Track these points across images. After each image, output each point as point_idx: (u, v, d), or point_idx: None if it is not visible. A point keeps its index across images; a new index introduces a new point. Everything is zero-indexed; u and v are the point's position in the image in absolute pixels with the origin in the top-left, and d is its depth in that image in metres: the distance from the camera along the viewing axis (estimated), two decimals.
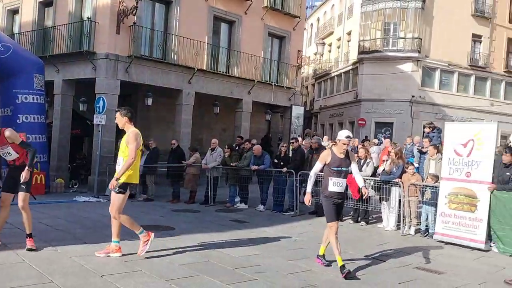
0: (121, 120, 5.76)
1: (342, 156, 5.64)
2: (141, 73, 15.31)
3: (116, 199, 5.57)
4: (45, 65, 14.28)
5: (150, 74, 15.51)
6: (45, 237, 6.51)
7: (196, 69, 16.25)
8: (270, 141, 20.19)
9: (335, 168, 5.61)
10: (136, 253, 5.70)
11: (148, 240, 5.72)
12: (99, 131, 13.81)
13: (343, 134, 5.67)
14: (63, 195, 13.16)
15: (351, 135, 5.82)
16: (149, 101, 16.22)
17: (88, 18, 15.14)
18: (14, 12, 18.89)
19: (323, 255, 5.88)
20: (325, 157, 5.71)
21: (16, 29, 18.60)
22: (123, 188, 5.54)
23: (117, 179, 5.46)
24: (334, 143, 10.34)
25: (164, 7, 16.32)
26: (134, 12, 14.17)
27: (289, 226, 8.75)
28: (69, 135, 16.26)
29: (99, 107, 13.79)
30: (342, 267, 5.33)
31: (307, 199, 5.80)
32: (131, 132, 5.58)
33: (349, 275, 5.26)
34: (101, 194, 12.82)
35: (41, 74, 13.69)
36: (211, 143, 12.05)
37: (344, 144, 5.60)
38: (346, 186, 5.90)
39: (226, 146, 11.74)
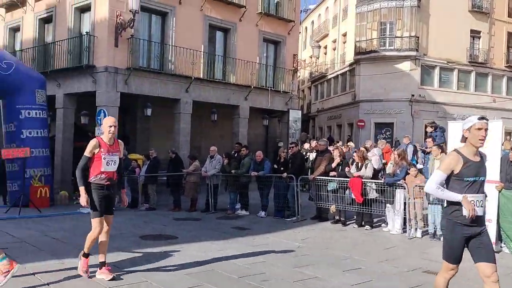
0: None
1: (478, 158, 3.71)
2: (140, 84, 15.62)
3: None
4: (46, 80, 14.60)
5: (148, 85, 15.82)
6: (52, 251, 6.74)
7: (193, 78, 16.56)
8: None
9: (470, 179, 3.62)
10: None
11: (8, 271, 4.66)
12: None
13: (473, 118, 3.77)
14: (67, 207, 13.41)
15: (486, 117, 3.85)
16: (149, 112, 16.54)
17: (87, 32, 15.49)
18: (15, 30, 19.27)
19: None
20: (452, 163, 3.65)
21: (17, 46, 18.97)
22: None
23: None
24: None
25: (160, 19, 16.65)
26: (131, 25, 14.50)
27: (291, 232, 8.83)
28: (71, 148, 16.56)
29: (100, 119, 14.10)
30: None
31: None
32: None
33: None
34: None
35: (43, 90, 13.99)
36: (210, 151, 12.29)
37: (480, 129, 3.64)
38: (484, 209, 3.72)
39: (224, 155, 11.96)
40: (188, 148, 16.64)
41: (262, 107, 19.66)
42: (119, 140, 5.46)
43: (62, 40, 16.11)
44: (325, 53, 32.99)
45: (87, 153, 5.18)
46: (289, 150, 11.27)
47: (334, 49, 32.06)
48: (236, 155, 12.48)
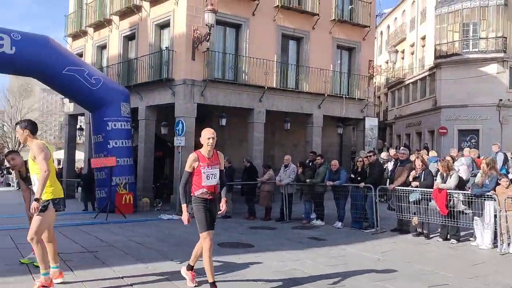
0: (22, 134, 4.99)
1: None
2: (215, 95, 16.07)
3: (35, 220, 4.77)
4: (130, 93, 15.57)
5: (223, 96, 16.23)
6: (136, 255, 7.06)
7: (266, 87, 16.70)
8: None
9: None
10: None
11: (51, 284, 4.90)
12: (179, 152, 14.65)
13: None
14: (149, 213, 14.10)
15: None
16: (223, 121, 16.94)
17: (166, 47, 16.31)
18: (102, 47, 20.82)
19: None
20: None
21: (104, 63, 20.45)
22: (43, 206, 4.77)
23: (37, 199, 4.67)
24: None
25: (234, 31, 17.04)
26: (207, 38, 14.99)
27: (370, 244, 8.51)
28: (152, 157, 17.43)
29: (178, 129, 14.70)
30: None
31: None
32: (35, 145, 4.83)
33: None
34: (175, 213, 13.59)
35: (127, 102, 14.93)
36: (284, 160, 12.25)
37: None
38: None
39: (298, 164, 11.85)
40: (261, 157, 16.76)
41: (336, 115, 19.29)
42: (218, 152, 5.21)
43: (143, 56, 17.10)
44: (403, 58, 31.70)
45: (187, 168, 5.04)
46: (366, 159, 10.83)
47: (412, 53, 30.71)
48: (310, 164, 12.31)
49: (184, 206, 5.05)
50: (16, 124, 5.19)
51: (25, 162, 5.81)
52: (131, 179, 14.67)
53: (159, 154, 18.21)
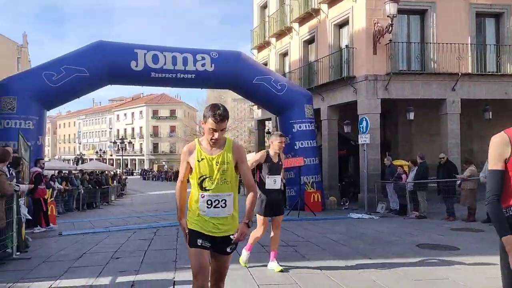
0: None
1: None
2: (400, 88, 15.24)
3: (229, 260, 3.34)
4: (312, 95, 16.00)
5: (409, 88, 15.26)
6: (334, 251, 7.11)
7: (460, 74, 15.04)
8: None
9: None
10: None
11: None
12: (365, 150, 14.35)
13: None
14: (337, 212, 14.18)
15: None
16: (411, 115, 15.94)
17: (346, 46, 16.24)
18: (284, 54, 22.03)
19: None
20: None
21: (286, 69, 21.58)
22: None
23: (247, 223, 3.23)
24: None
25: (419, 17, 15.89)
26: (389, 30, 14.34)
27: None
28: (336, 156, 17.53)
29: (362, 127, 14.42)
30: None
31: None
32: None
33: None
34: (372, 211, 13.23)
35: (310, 104, 15.39)
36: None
37: None
38: None
39: None
40: (458, 152, 15.13)
41: None
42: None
43: (323, 57, 17.38)
44: None
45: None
46: None
47: None
48: None
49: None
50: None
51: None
52: (318, 178, 15.02)
53: (343, 153, 18.22)
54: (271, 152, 5.64)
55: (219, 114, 3.07)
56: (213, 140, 3.13)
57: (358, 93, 15.46)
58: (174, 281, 5.24)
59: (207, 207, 3.15)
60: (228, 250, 3.25)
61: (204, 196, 3.15)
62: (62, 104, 15.00)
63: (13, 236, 6.90)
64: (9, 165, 7.17)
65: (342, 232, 9.24)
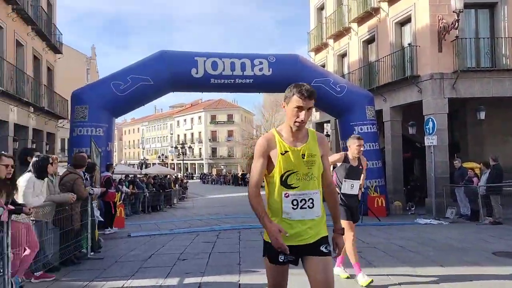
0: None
1: None
2: (468, 87, 14.41)
3: (331, 264, 2.80)
4: (373, 96, 15.55)
5: (479, 86, 14.40)
6: (402, 258, 6.82)
7: None
8: None
9: None
10: None
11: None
12: (431, 152, 13.68)
13: None
14: (402, 217, 13.61)
15: None
16: (482, 115, 15.02)
17: (409, 44, 15.63)
18: (343, 55, 21.63)
19: None
20: None
21: (345, 70, 21.17)
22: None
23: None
24: None
25: (488, 12, 14.96)
26: (456, 26, 13.63)
27: None
28: (401, 159, 16.88)
29: (428, 128, 13.76)
30: None
31: None
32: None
33: None
34: (441, 216, 12.58)
35: (371, 105, 14.96)
36: None
37: None
38: None
39: None
40: None
41: None
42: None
43: (384, 57, 16.84)
44: None
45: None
46: None
47: None
48: None
49: None
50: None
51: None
52: (381, 182, 14.54)
53: (408, 155, 17.52)
54: (350, 156, 5.40)
55: (306, 89, 2.65)
56: (297, 124, 2.67)
57: (423, 92, 14.82)
58: (240, 284, 5.27)
59: (293, 208, 2.67)
60: (324, 250, 2.69)
61: (288, 196, 2.67)
62: (129, 111, 15.74)
63: (87, 237, 7.31)
64: (84, 170, 7.62)
65: (409, 238, 8.86)
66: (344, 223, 4.96)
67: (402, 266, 6.21)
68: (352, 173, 5.34)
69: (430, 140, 13.56)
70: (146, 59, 13.93)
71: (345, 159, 5.36)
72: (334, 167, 5.40)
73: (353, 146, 5.33)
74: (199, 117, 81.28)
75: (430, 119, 13.70)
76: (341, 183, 5.33)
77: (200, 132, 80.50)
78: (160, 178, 25.84)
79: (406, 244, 8.11)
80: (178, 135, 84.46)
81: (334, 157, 5.30)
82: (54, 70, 24.50)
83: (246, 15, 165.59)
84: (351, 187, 5.34)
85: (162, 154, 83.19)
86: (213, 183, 58.91)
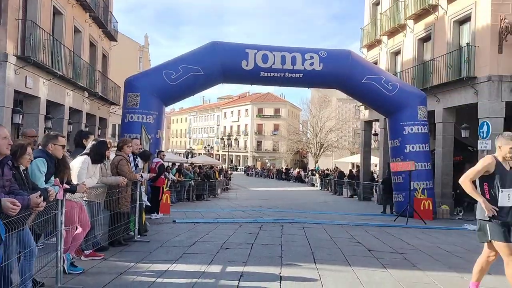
0: None
1: None
2: None
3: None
4: (426, 96, 15.05)
5: None
6: (448, 263, 6.64)
7: None
8: None
9: None
10: None
11: None
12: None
13: None
14: (450, 222, 13.19)
15: None
16: None
17: (467, 44, 14.97)
18: (396, 53, 21.05)
19: None
20: None
21: (398, 68, 20.59)
22: None
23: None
24: None
25: None
26: None
27: None
28: (451, 162, 16.28)
29: (483, 132, 13.24)
30: None
31: None
32: None
33: None
34: None
35: (424, 106, 14.50)
36: None
37: None
38: None
39: None
40: None
41: None
42: None
43: (440, 56, 16.22)
44: None
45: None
46: None
47: None
48: None
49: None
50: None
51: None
52: (430, 185, 14.11)
53: (459, 159, 16.82)
54: (500, 159, 4.39)
55: None
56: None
57: (479, 94, 14.17)
58: (281, 276, 5.35)
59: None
60: None
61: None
62: (179, 100, 16.13)
63: (135, 220, 7.64)
64: (139, 157, 7.94)
65: (456, 244, 8.59)
66: (501, 246, 4.36)
67: (449, 271, 6.07)
68: (509, 180, 4.37)
69: (483, 144, 13.01)
70: (198, 50, 14.23)
71: (497, 164, 4.38)
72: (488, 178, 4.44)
73: (505, 147, 4.34)
74: (246, 110, 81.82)
75: (485, 123, 13.15)
76: (494, 194, 4.38)
77: (246, 125, 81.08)
78: (206, 168, 26.37)
79: (452, 249, 7.87)
80: (225, 127, 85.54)
81: (485, 161, 4.42)
82: (109, 57, 25.47)
83: (297, 9, 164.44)
84: (508, 197, 4.34)
85: (208, 145, 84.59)
86: (257, 176, 59.31)
